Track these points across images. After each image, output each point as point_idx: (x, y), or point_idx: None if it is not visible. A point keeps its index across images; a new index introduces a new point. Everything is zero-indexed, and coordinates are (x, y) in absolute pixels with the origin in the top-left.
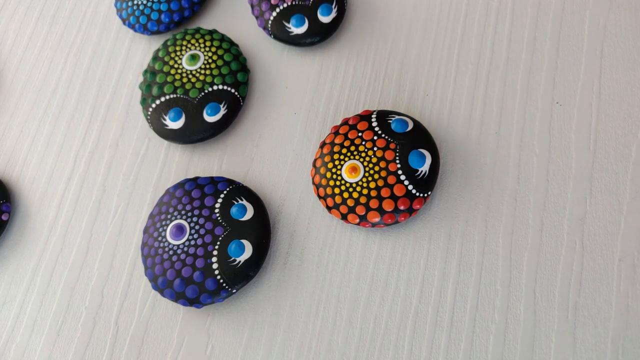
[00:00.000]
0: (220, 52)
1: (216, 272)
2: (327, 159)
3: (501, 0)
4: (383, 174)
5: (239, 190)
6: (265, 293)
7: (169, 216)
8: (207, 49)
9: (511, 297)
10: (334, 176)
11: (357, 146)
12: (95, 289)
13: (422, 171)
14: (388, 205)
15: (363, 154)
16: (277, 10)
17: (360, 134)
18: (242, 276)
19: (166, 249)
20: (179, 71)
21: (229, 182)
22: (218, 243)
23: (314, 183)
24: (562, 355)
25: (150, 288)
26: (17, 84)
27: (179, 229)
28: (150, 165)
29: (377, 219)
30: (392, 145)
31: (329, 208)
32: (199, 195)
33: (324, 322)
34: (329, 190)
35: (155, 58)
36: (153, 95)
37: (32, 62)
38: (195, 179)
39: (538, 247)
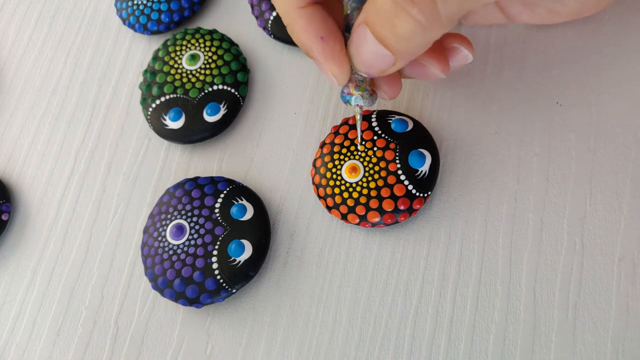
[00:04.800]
0: (220, 52)
1: (216, 272)
2: (327, 159)
3: None
4: (383, 174)
5: (239, 190)
6: (265, 293)
7: (169, 216)
8: (207, 49)
9: (511, 297)
10: (334, 176)
11: (357, 146)
12: (95, 289)
13: (422, 171)
14: (388, 205)
15: (363, 154)
16: None
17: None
18: (242, 276)
19: (166, 248)
20: (179, 71)
21: (229, 182)
22: (218, 243)
23: (314, 183)
24: (562, 355)
25: (150, 288)
26: (17, 84)
27: (179, 229)
28: (150, 165)
29: (377, 219)
30: (392, 145)
31: (329, 208)
32: (199, 195)
33: (324, 322)
34: (329, 190)
35: (155, 58)
36: (153, 95)
37: (32, 62)
38: (195, 178)
39: (538, 247)
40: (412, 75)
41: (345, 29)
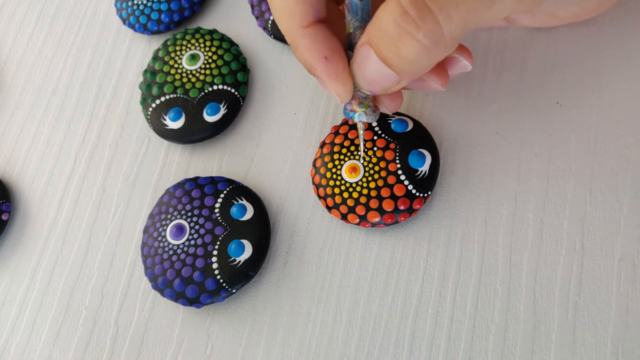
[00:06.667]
0: (220, 52)
1: (216, 272)
2: (327, 159)
3: None
4: (383, 174)
5: (239, 190)
6: (265, 293)
7: (169, 216)
8: (207, 48)
9: (511, 297)
10: (334, 176)
11: (357, 146)
12: (95, 289)
13: (422, 171)
14: (388, 205)
15: (363, 154)
16: None
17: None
18: (242, 276)
19: (166, 248)
20: (179, 71)
21: (229, 182)
22: (218, 243)
23: (314, 183)
24: (562, 355)
25: (150, 288)
26: (17, 84)
27: (179, 229)
28: (150, 165)
29: (377, 219)
30: (392, 145)
31: (329, 208)
32: (199, 195)
33: (324, 322)
34: (329, 190)
35: (155, 58)
36: (153, 95)
37: (32, 62)
38: (195, 178)
39: (538, 247)
40: (412, 87)
41: (347, 47)
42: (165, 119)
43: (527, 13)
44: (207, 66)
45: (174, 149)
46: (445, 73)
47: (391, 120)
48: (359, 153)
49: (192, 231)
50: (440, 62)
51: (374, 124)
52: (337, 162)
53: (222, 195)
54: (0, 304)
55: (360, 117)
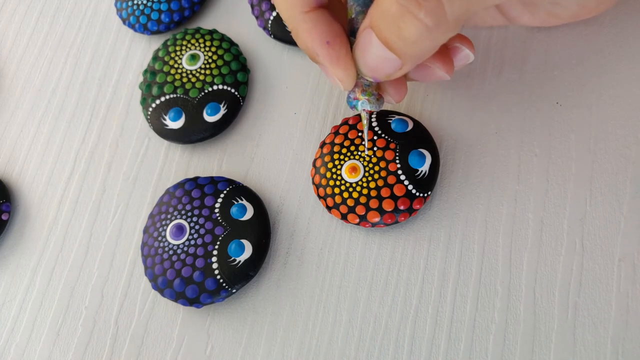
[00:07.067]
0: (220, 52)
1: (216, 272)
2: (327, 158)
3: None
4: (383, 174)
5: (239, 190)
6: (265, 293)
7: (169, 216)
8: (207, 48)
9: (511, 297)
10: (334, 176)
11: (357, 146)
12: (95, 289)
13: (422, 171)
14: (388, 205)
15: (363, 154)
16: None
17: (360, 134)
18: (242, 276)
19: (166, 248)
20: (179, 71)
21: (229, 182)
22: (218, 243)
23: (314, 183)
24: (562, 355)
25: (150, 288)
26: (17, 84)
27: (179, 229)
28: (150, 165)
29: (377, 219)
30: (392, 145)
31: (329, 208)
32: (199, 195)
33: (324, 322)
34: (328, 190)
35: (155, 58)
36: (153, 95)
37: (32, 62)
38: (195, 178)
39: (538, 247)
40: (417, 78)
41: (350, 33)
42: (165, 119)
43: (527, 11)
44: (207, 66)
45: (174, 149)
46: (450, 60)
47: (391, 120)
48: (362, 143)
49: (192, 231)
50: (443, 49)
51: (374, 124)
52: (337, 162)
53: (222, 195)
54: (0, 304)
55: (364, 105)
